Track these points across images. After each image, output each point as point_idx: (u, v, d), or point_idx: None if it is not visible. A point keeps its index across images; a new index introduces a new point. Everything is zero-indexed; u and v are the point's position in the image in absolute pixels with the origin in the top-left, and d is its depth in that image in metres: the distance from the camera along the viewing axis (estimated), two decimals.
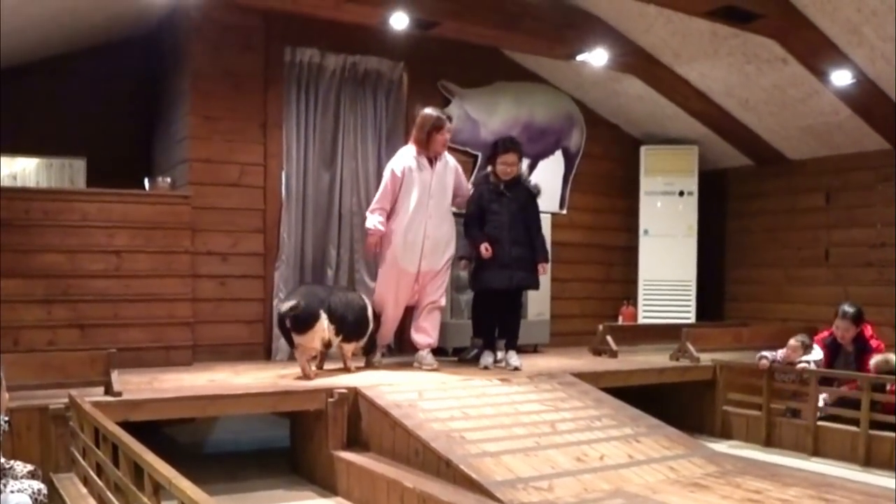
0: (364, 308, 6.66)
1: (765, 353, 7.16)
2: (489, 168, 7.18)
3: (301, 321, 6.10)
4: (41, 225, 6.37)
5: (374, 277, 7.39)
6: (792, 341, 7.10)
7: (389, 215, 6.88)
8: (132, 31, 7.77)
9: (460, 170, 7.31)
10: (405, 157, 6.94)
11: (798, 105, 8.06)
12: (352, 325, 6.50)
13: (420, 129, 6.93)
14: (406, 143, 7.33)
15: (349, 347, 6.63)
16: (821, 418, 6.66)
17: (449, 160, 7.14)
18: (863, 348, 6.96)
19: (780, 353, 7.15)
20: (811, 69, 7.38)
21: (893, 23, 6.44)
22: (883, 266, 8.26)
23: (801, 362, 6.92)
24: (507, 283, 7.00)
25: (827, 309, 7.49)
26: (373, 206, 6.91)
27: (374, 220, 6.83)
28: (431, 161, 6.97)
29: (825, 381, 6.77)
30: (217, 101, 7.16)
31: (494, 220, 6.99)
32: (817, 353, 7.01)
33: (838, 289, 8.11)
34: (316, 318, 6.13)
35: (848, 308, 6.91)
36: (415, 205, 6.85)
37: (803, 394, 6.80)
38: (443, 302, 7.18)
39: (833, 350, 7.04)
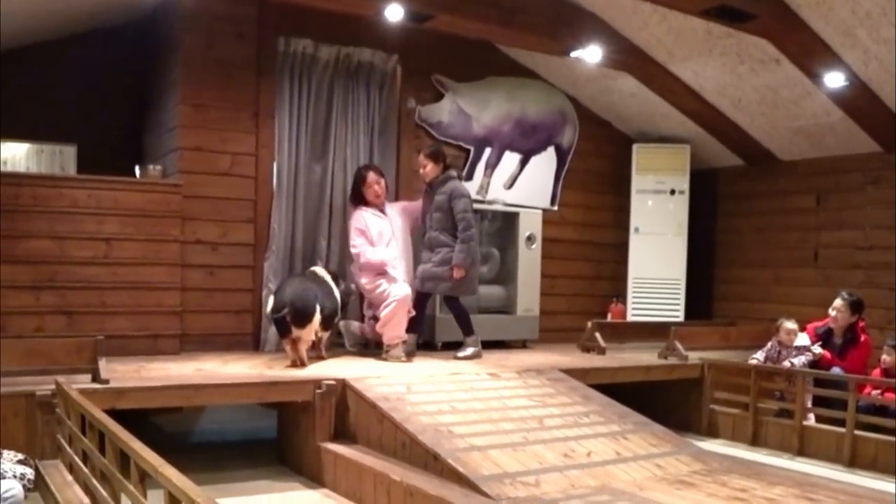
0: (334, 294, 6.82)
1: (754, 356, 7.24)
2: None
3: (300, 315, 6.26)
4: (30, 210, 6.34)
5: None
6: (788, 324, 7.15)
7: None
8: (125, 19, 7.72)
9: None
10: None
11: (790, 106, 8.07)
12: (331, 313, 6.66)
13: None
14: (398, 137, 7.98)
15: (326, 335, 6.79)
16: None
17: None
18: (850, 341, 7.02)
19: (768, 347, 7.22)
20: (804, 70, 7.38)
21: (887, 25, 6.45)
22: (871, 269, 8.27)
23: (801, 349, 7.00)
24: (418, 286, 7.26)
25: (815, 310, 7.52)
26: None
27: None
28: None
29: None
30: (209, 91, 7.12)
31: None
32: (805, 339, 7.10)
33: (826, 290, 8.11)
34: (314, 310, 6.32)
35: (848, 294, 7.01)
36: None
37: (792, 392, 6.84)
38: None
39: (824, 341, 7.10)
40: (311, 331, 6.35)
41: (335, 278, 7.02)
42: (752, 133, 8.83)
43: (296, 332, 6.27)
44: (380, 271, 7.09)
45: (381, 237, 7.23)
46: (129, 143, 8.00)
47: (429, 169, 7.30)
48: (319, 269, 7.02)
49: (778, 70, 7.54)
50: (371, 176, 7.30)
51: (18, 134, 7.82)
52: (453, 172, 7.44)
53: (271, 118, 7.41)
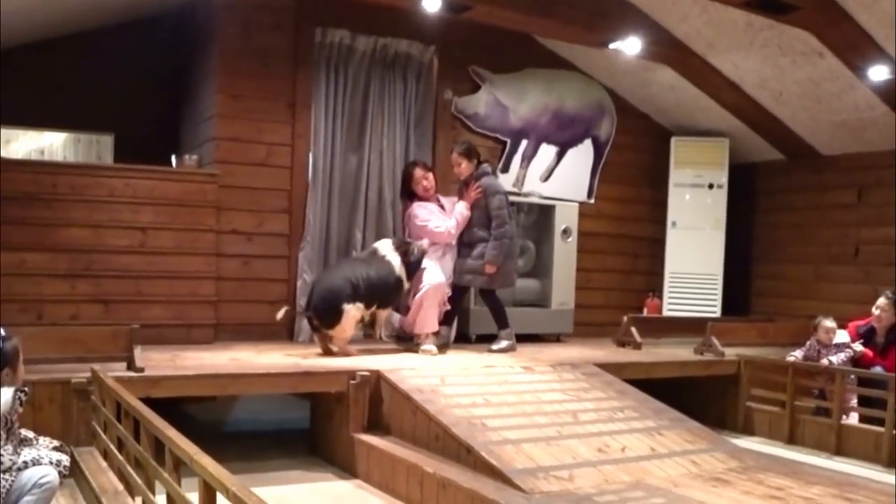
0: (392, 272, 6.64)
1: (793, 353, 7.15)
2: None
3: (327, 318, 6.32)
4: (67, 199, 6.38)
5: None
6: (826, 322, 7.05)
7: None
8: (162, 8, 7.76)
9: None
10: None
11: (832, 99, 7.94)
12: (382, 292, 6.58)
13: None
14: (434, 129, 7.94)
15: (384, 314, 6.80)
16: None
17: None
18: (894, 340, 6.90)
19: (806, 346, 7.13)
20: (847, 63, 7.26)
21: None
22: None
23: (841, 346, 6.91)
24: (456, 280, 7.23)
25: (855, 307, 7.39)
26: None
27: None
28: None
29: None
30: (245, 81, 7.13)
31: None
32: (844, 335, 7.00)
33: (867, 287, 8.00)
34: (339, 312, 6.29)
35: (892, 293, 6.90)
36: None
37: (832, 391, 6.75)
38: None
39: (866, 339, 6.99)
40: (344, 329, 6.34)
41: (405, 250, 6.76)
42: (793, 127, 8.70)
43: (329, 333, 6.36)
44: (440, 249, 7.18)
45: None
46: (166, 132, 8.04)
47: (463, 167, 7.25)
48: (383, 246, 6.77)
49: (820, 63, 7.42)
50: (418, 171, 7.27)
51: (56, 123, 7.89)
52: (487, 168, 7.39)
53: (307, 109, 7.41)
